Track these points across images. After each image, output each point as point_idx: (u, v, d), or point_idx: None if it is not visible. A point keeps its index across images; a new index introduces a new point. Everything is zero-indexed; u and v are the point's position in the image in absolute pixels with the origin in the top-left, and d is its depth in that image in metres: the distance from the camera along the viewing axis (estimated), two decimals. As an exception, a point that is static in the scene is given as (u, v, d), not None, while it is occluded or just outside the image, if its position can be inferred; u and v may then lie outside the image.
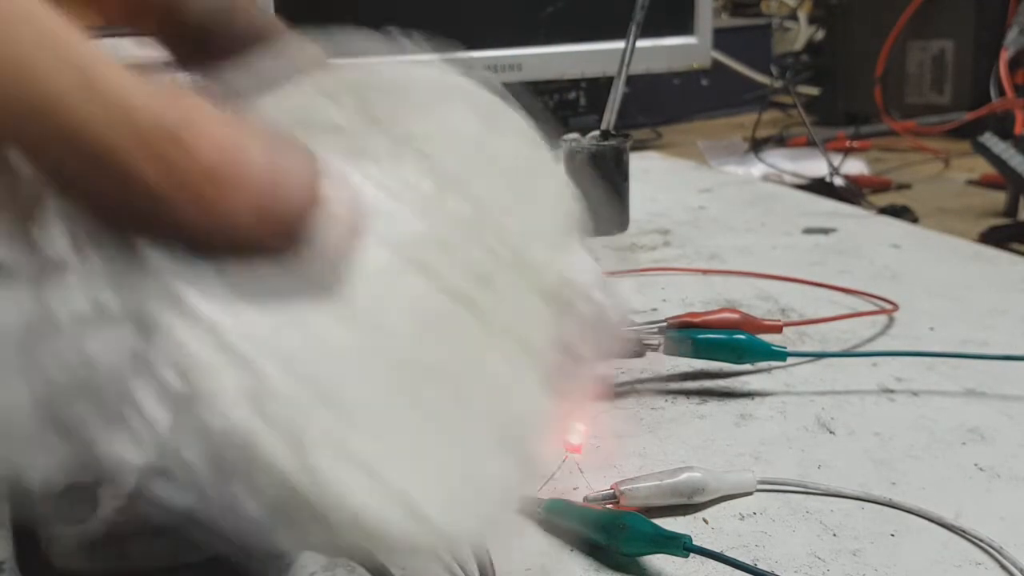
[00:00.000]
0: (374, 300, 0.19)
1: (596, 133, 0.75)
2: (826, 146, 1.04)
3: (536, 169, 0.25)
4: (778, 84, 1.32)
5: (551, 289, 0.23)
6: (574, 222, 0.25)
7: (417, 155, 0.22)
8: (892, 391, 0.48)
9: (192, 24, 0.22)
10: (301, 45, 0.23)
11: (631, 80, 0.78)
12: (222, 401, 0.16)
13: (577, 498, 0.37)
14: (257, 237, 0.17)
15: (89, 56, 0.16)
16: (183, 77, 0.22)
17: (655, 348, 0.47)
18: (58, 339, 0.16)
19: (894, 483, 0.39)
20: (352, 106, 0.22)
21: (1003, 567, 0.33)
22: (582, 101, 1.28)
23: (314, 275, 0.18)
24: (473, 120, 0.24)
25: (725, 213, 0.86)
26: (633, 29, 0.74)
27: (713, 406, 0.47)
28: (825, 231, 0.80)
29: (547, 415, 0.22)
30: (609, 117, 0.74)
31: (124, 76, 0.16)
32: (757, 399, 0.47)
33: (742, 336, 0.48)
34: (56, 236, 0.16)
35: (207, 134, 0.16)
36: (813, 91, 1.45)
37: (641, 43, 0.76)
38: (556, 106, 1.26)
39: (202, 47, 0.22)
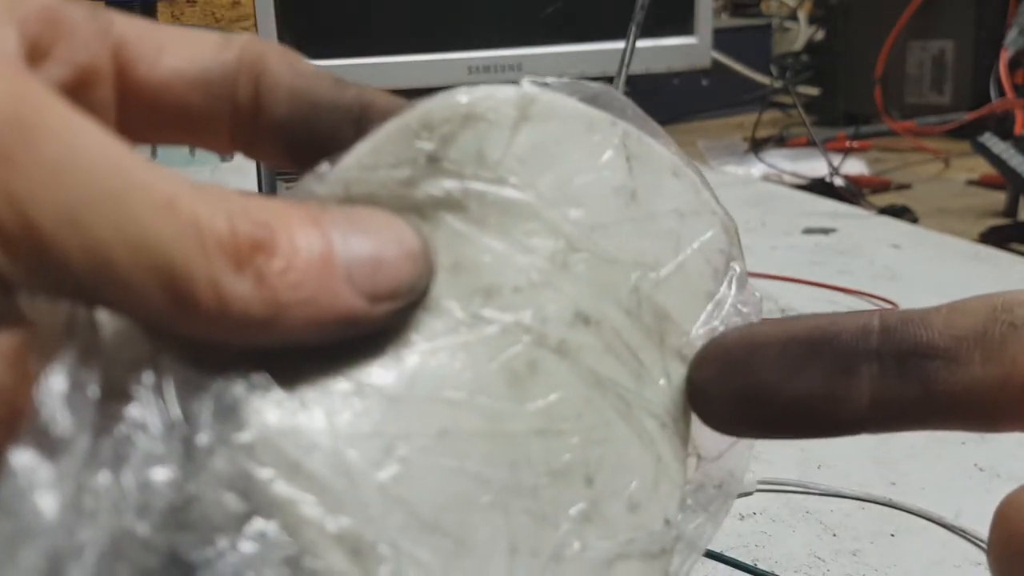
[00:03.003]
0: (497, 396, 0.17)
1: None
2: (826, 146, 1.04)
3: (682, 206, 0.21)
4: (778, 84, 1.32)
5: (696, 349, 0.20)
6: (725, 257, 0.21)
7: (539, 214, 0.19)
8: (892, 391, 0.48)
9: (275, 130, 0.20)
10: (391, 102, 0.20)
11: (631, 80, 0.78)
12: (323, 550, 0.15)
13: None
14: (368, 316, 0.16)
15: (166, 180, 0.15)
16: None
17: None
18: (147, 514, 0.14)
19: (894, 483, 0.39)
20: (458, 159, 0.18)
21: (1003, 567, 0.33)
22: (582, 101, 1.28)
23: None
24: (605, 161, 0.20)
25: (725, 213, 0.86)
26: (633, 29, 0.74)
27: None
28: (825, 231, 0.80)
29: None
30: (609, 117, 0.74)
31: (197, 193, 0.15)
32: (757, 399, 0.47)
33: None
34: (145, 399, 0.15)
35: (291, 237, 0.15)
36: (813, 91, 1.45)
37: (641, 43, 0.76)
38: (556, 106, 1.26)
39: (295, 145, 0.20)
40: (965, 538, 0.35)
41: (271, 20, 0.99)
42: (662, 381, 0.19)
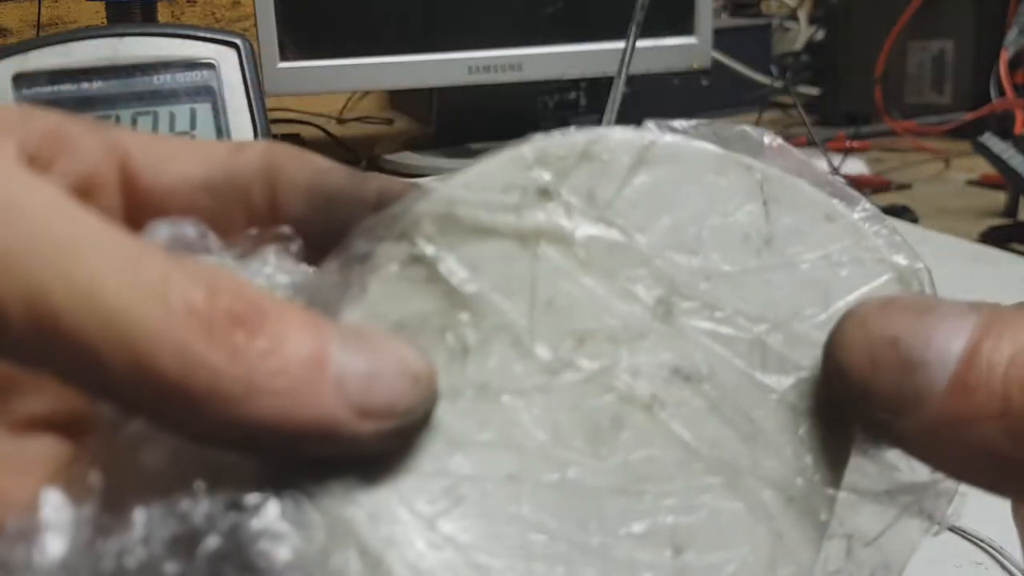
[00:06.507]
0: (574, 448, 0.17)
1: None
2: (826, 146, 1.04)
3: (835, 253, 0.19)
4: (778, 84, 1.32)
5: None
6: None
7: (647, 260, 0.18)
8: (892, 391, 0.48)
9: (294, 226, 0.19)
10: (409, 187, 0.19)
11: (631, 80, 0.78)
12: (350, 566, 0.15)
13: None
14: (353, 431, 0.15)
15: (138, 244, 0.14)
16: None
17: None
18: None
19: (894, 483, 0.39)
20: (569, 196, 0.18)
21: (1003, 567, 0.33)
22: (582, 101, 1.27)
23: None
24: (735, 205, 0.19)
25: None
26: (633, 29, 0.74)
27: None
28: (825, 231, 0.79)
29: None
30: (609, 118, 0.74)
31: (178, 264, 0.14)
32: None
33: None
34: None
35: (284, 328, 0.14)
36: (813, 91, 1.45)
37: (641, 43, 0.76)
38: (556, 106, 1.26)
39: (314, 239, 0.19)
40: (965, 538, 0.35)
41: (271, 20, 0.99)
42: (791, 448, 0.18)
